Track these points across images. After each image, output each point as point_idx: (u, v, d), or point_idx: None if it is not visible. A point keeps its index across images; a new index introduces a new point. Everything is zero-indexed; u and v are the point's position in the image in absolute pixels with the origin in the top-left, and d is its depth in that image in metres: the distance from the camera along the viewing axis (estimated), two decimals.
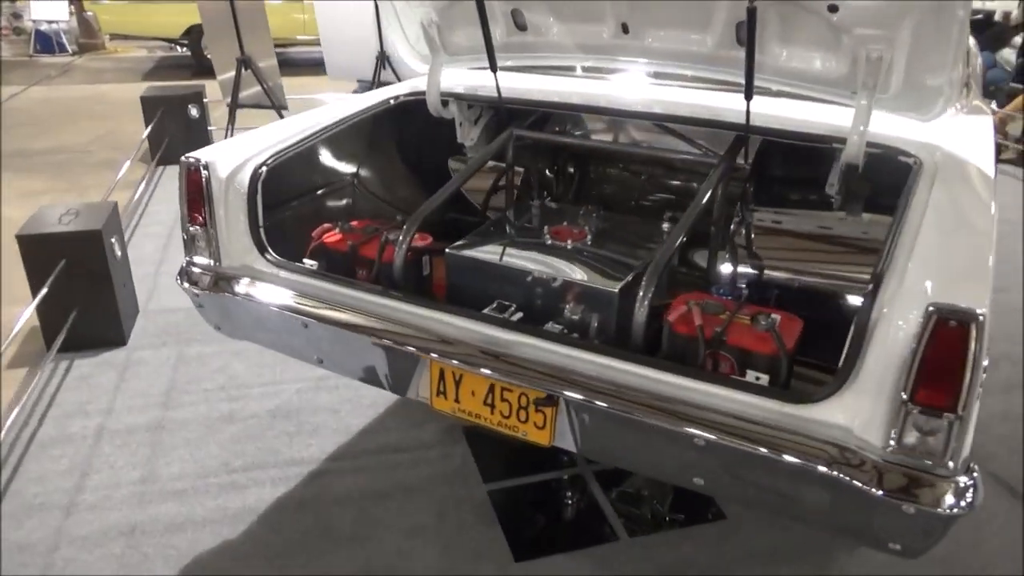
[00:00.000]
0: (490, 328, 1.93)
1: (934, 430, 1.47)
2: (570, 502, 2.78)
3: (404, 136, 2.99)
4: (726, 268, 2.45)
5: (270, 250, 2.27)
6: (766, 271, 2.48)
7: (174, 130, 6.55)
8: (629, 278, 2.07)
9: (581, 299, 2.05)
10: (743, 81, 2.25)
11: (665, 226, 2.39)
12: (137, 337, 3.85)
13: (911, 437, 1.50)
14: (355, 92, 6.43)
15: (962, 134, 2.29)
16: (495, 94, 2.67)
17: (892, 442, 1.51)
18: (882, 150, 2.15)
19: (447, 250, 2.27)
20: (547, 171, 2.93)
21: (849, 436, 1.57)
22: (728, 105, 2.36)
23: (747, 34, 1.99)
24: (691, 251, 2.65)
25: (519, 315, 2.03)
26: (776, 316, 1.90)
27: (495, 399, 1.98)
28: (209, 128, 6.89)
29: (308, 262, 2.30)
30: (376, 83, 6.54)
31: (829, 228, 2.47)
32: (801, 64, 2.19)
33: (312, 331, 2.15)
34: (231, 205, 2.27)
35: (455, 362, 1.94)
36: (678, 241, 2.07)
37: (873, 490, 1.51)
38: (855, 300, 2.31)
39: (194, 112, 6.64)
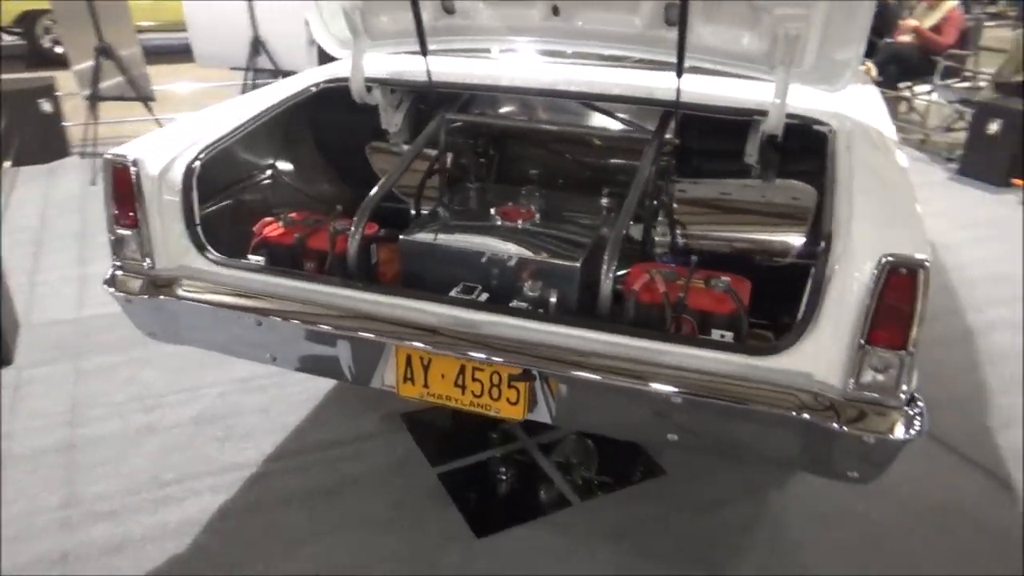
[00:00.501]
0: (460, 310, 1.95)
1: (888, 367, 1.65)
2: (519, 475, 2.85)
3: (327, 124, 2.92)
4: (662, 238, 2.58)
5: (210, 248, 2.17)
6: (697, 238, 2.63)
7: (24, 127, 6.00)
8: (587, 252, 2.15)
9: (542, 276, 2.11)
10: (669, 60, 2.38)
11: (604, 201, 2.49)
12: (24, 354, 3.55)
13: (867, 376, 1.67)
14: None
15: (858, 102, 2.52)
16: (420, 79, 2.65)
17: (851, 382, 1.68)
18: (799, 120, 2.33)
19: (401, 236, 2.25)
20: (480, 154, 2.95)
21: (811, 381, 1.73)
22: (656, 83, 2.48)
23: (679, 15, 2.10)
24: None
25: (485, 296, 2.06)
26: (726, 278, 2.04)
27: (466, 380, 2.00)
28: (64, 124, 6.36)
29: (252, 258, 2.22)
30: (252, 71, 6.27)
31: (749, 194, 2.66)
32: (724, 42, 2.33)
33: (266, 329, 2.09)
34: (165, 204, 2.15)
35: (427, 347, 1.94)
36: (630, 214, 2.17)
37: (838, 426, 1.67)
38: (782, 259, 2.51)
39: (46, 106, 6.10)
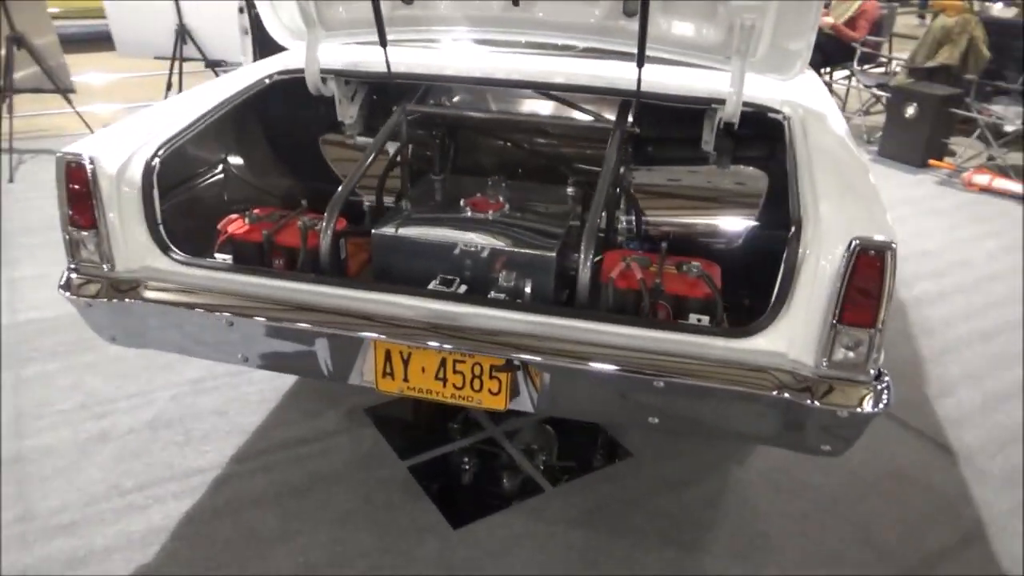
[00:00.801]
0: (440, 303, 1.95)
1: (858, 344, 1.75)
2: (489, 464, 2.87)
3: (280, 116, 2.86)
4: (625, 225, 2.64)
5: (175, 248, 2.11)
6: (658, 224, 2.70)
7: None
8: (561, 242, 2.18)
9: (518, 266, 2.13)
10: (627, 50, 2.43)
11: (570, 191, 2.52)
12: None
13: (839, 353, 1.76)
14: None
15: (803, 89, 2.62)
16: (376, 69, 2.63)
17: (824, 360, 1.77)
18: (753, 108, 2.42)
19: (373, 231, 2.24)
20: (441, 145, 2.94)
21: (785, 360, 1.81)
22: (614, 73, 2.52)
23: (640, 5, 2.14)
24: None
25: (464, 288, 2.07)
26: (697, 263, 2.11)
27: (447, 372, 2.01)
28: None
29: (220, 256, 2.16)
30: (179, 59, 6.03)
31: (706, 180, 2.74)
32: (682, 33, 2.39)
33: (238, 329, 2.04)
34: (124, 203, 2.07)
35: (409, 341, 1.94)
36: (602, 203, 2.21)
37: (813, 402, 1.76)
38: (744, 243, 2.60)
39: None
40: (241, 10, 5.43)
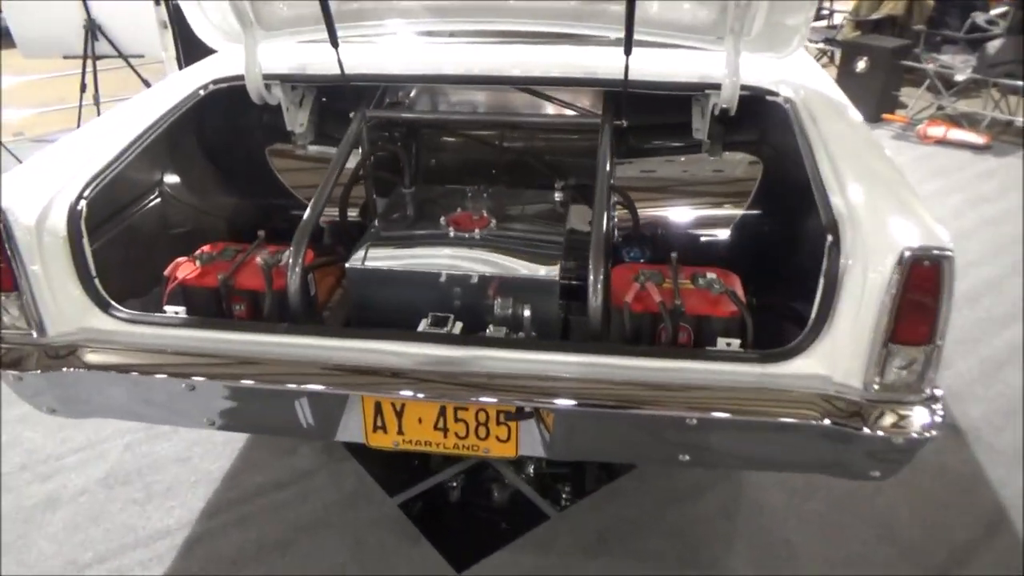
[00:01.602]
0: (434, 347, 1.71)
1: (913, 363, 1.57)
2: (486, 492, 2.65)
3: (219, 129, 2.53)
4: (618, 228, 2.42)
5: (115, 304, 1.81)
6: (655, 223, 2.49)
7: None
8: (560, 260, 1.95)
9: (517, 292, 1.89)
10: (607, 35, 2.19)
11: (558, 196, 2.28)
12: None
13: (891, 374, 1.58)
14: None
15: (795, 67, 2.42)
16: (326, 71, 2.32)
17: (875, 381, 1.59)
18: (751, 92, 2.21)
19: (347, 265, 1.96)
20: (409, 153, 2.65)
21: (828, 383, 1.63)
22: (595, 61, 2.28)
23: None
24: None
25: (460, 326, 1.82)
26: (713, 274, 1.90)
27: (448, 422, 1.78)
28: None
29: (170, 309, 1.86)
30: (91, 57, 5.52)
31: (699, 170, 2.54)
32: (670, 13, 2.15)
33: (202, 393, 1.77)
34: (48, 257, 1.75)
35: (404, 394, 1.70)
36: (605, 210, 1.97)
37: (867, 430, 1.58)
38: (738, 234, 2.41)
39: None
40: (158, 2, 4.96)
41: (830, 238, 1.62)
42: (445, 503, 2.60)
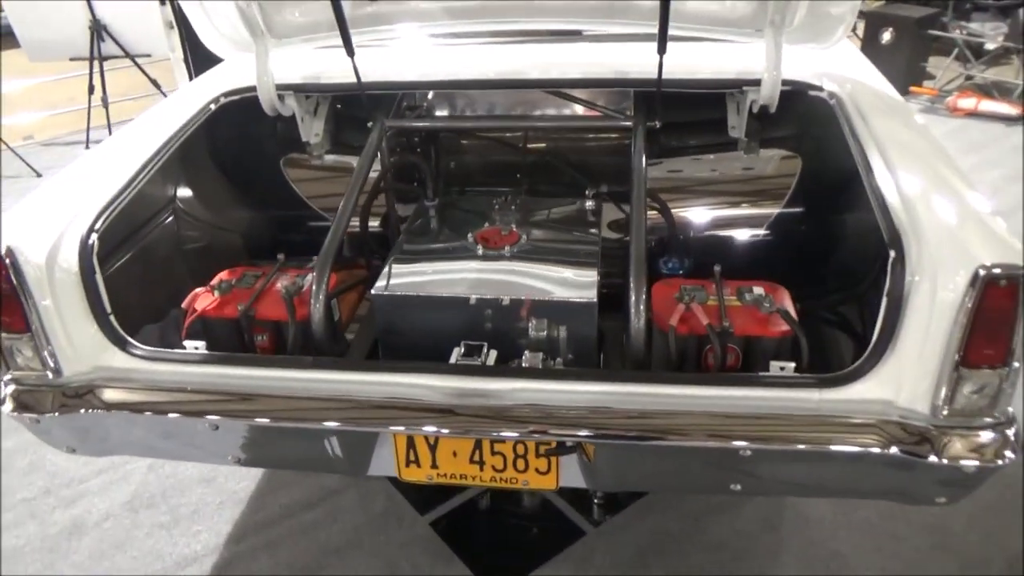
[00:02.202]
0: (468, 380, 1.61)
1: (985, 387, 1.46)
2: (519, 507, 2.57)
3: (231, 142, 2.42)
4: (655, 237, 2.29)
5: (134, 341, 1.72)
6: (692, 229, 2.37)
7: None
8: (597, 280, 1.84)
9: (552, 316, 1.78)
10: (636, 31, 2.06)
11: (589, 204, 2.16)
12: None
13: (962, 398, 1.47)
14: None
15: (839, 58, 2.27)
16: (341, 80, 2.21)
17: (943, 406, 1.48)
18: (792, 86, 2.08)
19: (373, 292, 1.86)
20: (432, 163, 2.54)
21: (892, 408, 1.52)
22: (623, 59, 2.15)
23: None
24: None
25: (494, 355, 1.71)
26: (761, 289, 1.79)
27: (484, 455, 1.69)
28: None
29: (190, 344, 1.78)
30: (98, 59, 5.43)
31: (736, 170, 2.41)
32: (705, 7, 2.02)
33: (225, 432, 1.68)
34: (61, 295, 1.67)
35: (437, 430, 1.61)
36: (644, 222, 1.85)
37: (936, 459, 1.47)
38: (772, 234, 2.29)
39: None
40: (163, 2, 4.84)
41: (893, 253, 1.49)
42: (476, 520, 2.52)
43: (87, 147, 5.85)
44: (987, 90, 5.99)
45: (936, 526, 2.40)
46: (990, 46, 5.99)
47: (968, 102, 5.75)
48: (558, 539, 2.42)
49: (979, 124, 5.64)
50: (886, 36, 6.21)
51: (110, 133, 5.72)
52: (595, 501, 2.50)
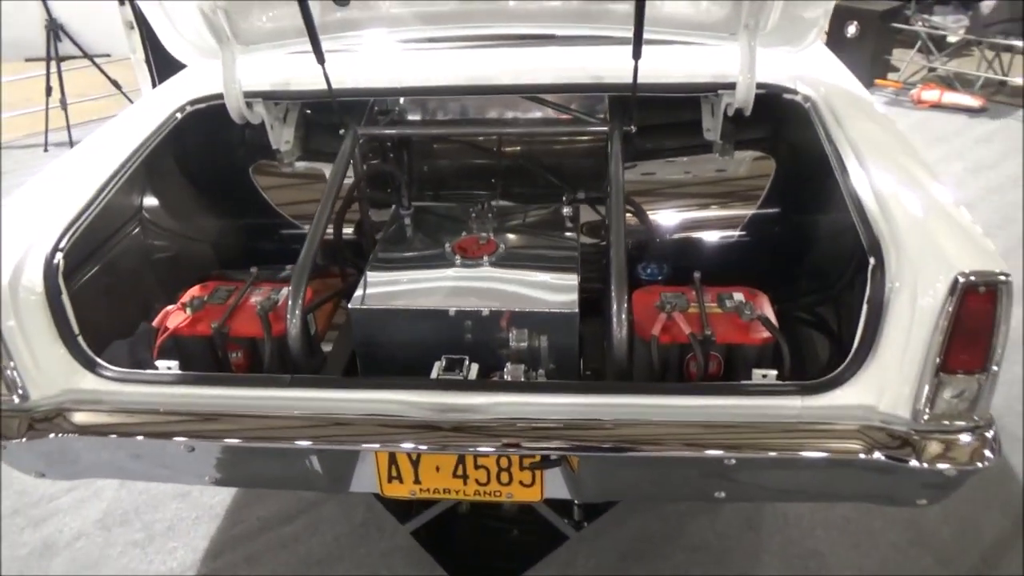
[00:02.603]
0: (450, 395, 1.59)
1: (964, 391, 1.47)
2: (499, 514, 2.55)
3: (200, 151, 2.36)
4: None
5: (103, 362, 1.67)
6: (666, 232, 2.37)
7: None
8: (577, 288, 1.83)
9: (533, 325, 1.76)
10: (610, 34, 2.05)
11: (566, 211, 2.15)
12: None
13: (943, 403, 1.48)
14: None
15: (811, 60, 2.28)
16: (311, 86, 2.17)
17: (924, 411, 1.49)
18: (767, 90, 2.08)
19: (351, 307, 1.83)
20: (406, 171, 2.49)
21: (873, 414, 1.53)
22: (598, 62, 2.14)
23: None
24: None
25: (476, 369, 1.69)
26: (740, 295, 1.79)
27: (467, 469, 1.67)
28: None
29: (163, 364, 1.73)
30: (55, 59, 5.29)
31: (710, 172, 2.41)
32: (680, 10, 2.01)
33: (201, 453, 1.64)
34: (25, 316, 1.61)
35: (419, 446, 1.58)
36: (623, 229, 1.84)
37: (917, 463, 1.49)
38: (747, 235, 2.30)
39: None
40: (122, 1, 4.71)
41: (873, 260, 1.50)
42: (457, 528, 2.50)
43: (45, 150, 5.70)
44: (950, 82, 6.10)
45: (911, 521, 2.44)
46: (952, 39, 6.08)
47: (932, 94, 5.84)
48: (540, 544, 2.41)
49: (943, 116, 5.73)
50: (851, 29, 6.27)
51: (69, 135, 5.59)
52: (575, 504, 2.50)
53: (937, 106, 5.81)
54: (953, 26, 6.09)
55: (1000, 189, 4.52)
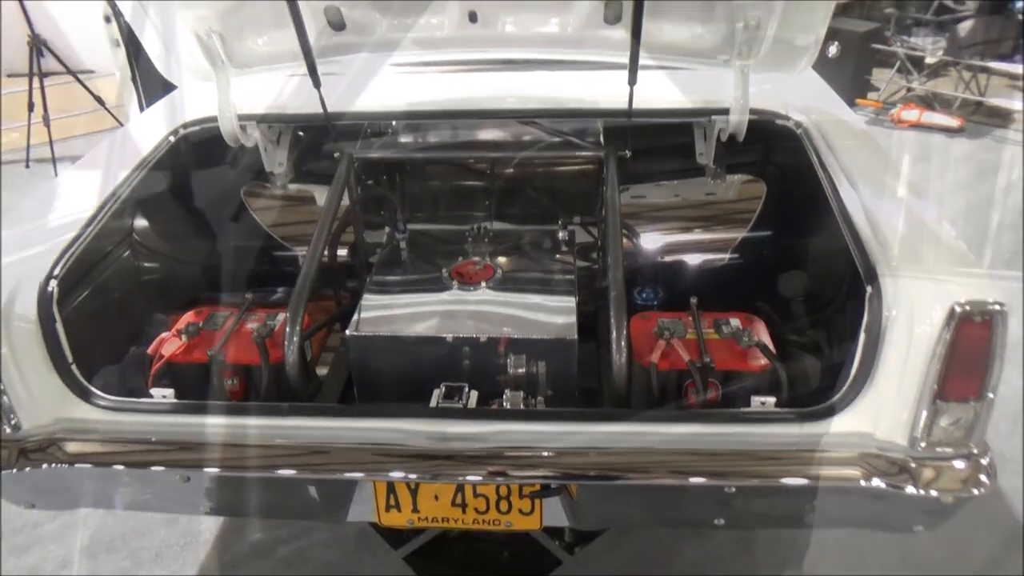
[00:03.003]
0: (450, 424, 1.58)
1: (961, 418, 1.49)
2: (491, 539, 2.53)
3: (193, 174, 2.35)
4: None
5: (96, 391, 1.65)
6: (658, 254, 2.38)
7: None
8: (574, 314, 1.83)
9: (531, 354, 1.76)
10: (606, 60, 2.07)
11: (562, 235, 2.15)
12: None
13: (939, 430, 1.50)
14: None
15: (801, 86, 2.31)
16: (306, 109, 2.17)
17: (921, 438, 1.50)
18: (759, 115, 2.10)
19: (348, 333, 1.82)
20: (401, 195, 2.49)
21: (870, 440, 1.54)
22: (593, 87, 2.15)
23: (634, 14, 1.78)
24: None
25: (475, 396, 1.68)
26: (737, 321, 1.80)
27: (466, 498, 1.66)
28: None
29: (158, 392, 1.71)
30: (37, 74, 5.23)
31: (690, 195, 2.44)
32: (674, 37, 2.03)
33: (197, 483, 1.62)
34: (18, 345, 1.58)
35: (418, 476, 1.57)
36: (620, 254, 1.85)
37: (915, 490, 1.50)
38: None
39: None
40: (108, 19, 4.68)
41: (870, 288, 1.52)
42: (450, 554, 2.48)
43: (27, 166, 5.64)
44: (928, 102, 6.20)
45: (902, 540, 2.45)
46: (930, 60, 6.19)
47: (911, 114, 5.93)
48: (535, 569, 2.40)
49: (922, 136, 5.83)
50: (832, 49, 6.37)
51: (52, 151, 5.53)
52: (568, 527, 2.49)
53: (917, 125, 5.90)
54: (931, 47, 6.20)
55: (980, 208, 4.60)
